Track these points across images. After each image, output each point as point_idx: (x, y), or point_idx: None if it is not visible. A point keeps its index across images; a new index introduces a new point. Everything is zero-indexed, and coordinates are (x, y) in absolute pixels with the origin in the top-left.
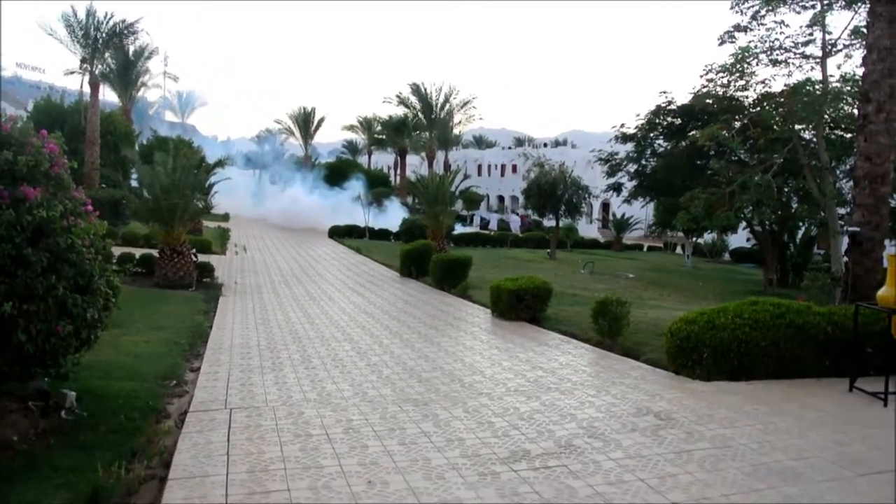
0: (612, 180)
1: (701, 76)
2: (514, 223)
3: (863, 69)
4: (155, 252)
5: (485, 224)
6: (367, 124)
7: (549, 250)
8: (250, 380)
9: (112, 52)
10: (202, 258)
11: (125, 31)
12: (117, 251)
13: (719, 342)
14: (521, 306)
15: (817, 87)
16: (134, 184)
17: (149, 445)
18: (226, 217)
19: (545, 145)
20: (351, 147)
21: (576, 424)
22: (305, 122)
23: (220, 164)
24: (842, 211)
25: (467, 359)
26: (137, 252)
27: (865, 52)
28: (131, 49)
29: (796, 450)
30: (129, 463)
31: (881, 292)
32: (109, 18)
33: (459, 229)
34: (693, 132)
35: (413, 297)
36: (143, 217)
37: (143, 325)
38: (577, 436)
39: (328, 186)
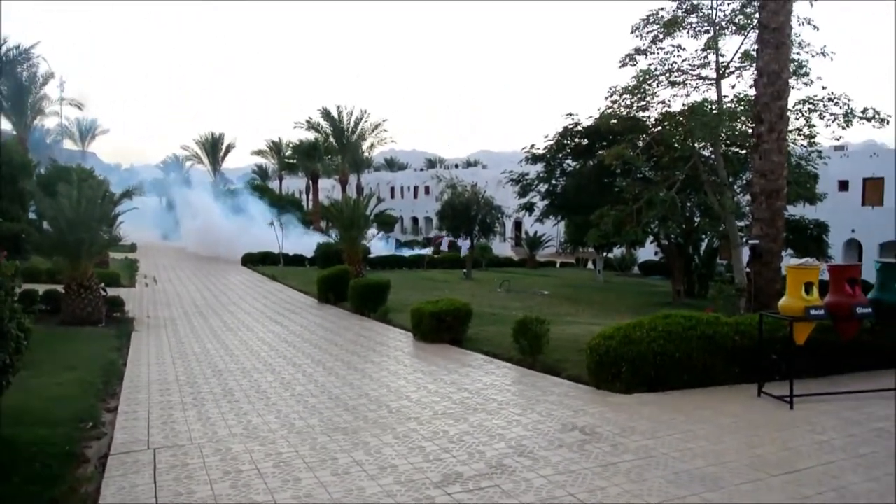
0: (523, 200)
1: (605, 97)
2: (465, 245)
3: (754, 91)
4: (60, 288)
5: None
6: (276, 149)
7: (464, 270)
8: (172, 417)
9: (4, 79)
10: (111, 292)
11: (20, 58)
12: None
13: (636, 356)
14: (442, 328)
15: (713, 107)
16: (33, 216)
17: (71, 494)
18: (133, 248)
19: (456, 166)
20: (261, 172)
21: (505, 444)
22: (214, 148)
23: (128, 194)
24: (741, 224)
25: (393, 384)
26: (41, 288)
27: (756, 75)
28: (24, 75)
29: (714, 455)
30: None
31: (782, 301)
32: (2, 44)
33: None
34: (600, 152)
35: (333, 323)
36: (46, 252)
37: (52, 366)
38: (507, 455)
39: (240, 213)
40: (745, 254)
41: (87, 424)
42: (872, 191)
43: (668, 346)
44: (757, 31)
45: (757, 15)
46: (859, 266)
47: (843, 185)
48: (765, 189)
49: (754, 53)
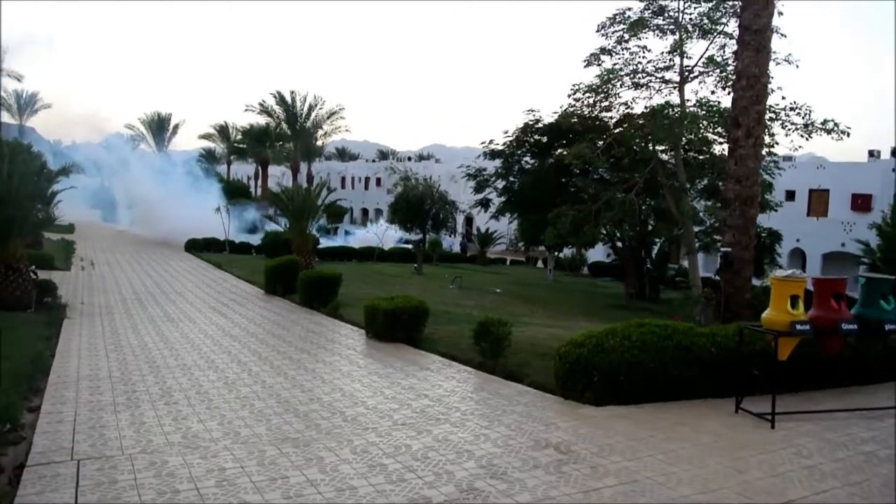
0: (479, 196)
1: (568, 95)
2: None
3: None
4: None
5: (463, 246)
6: (225, 132)
7: (415, 265)
8: (101, 420)
9: None
10: (43, 275)
11: None
12: None
13: (609, 365)
14: (397, 327)
15: (675, 110)
16: None
17: None
18: (70, 228)
19: (409, 159)
20: (209, 156)
21: (474, 463)
22: (160, 128)
23: (65, 171)
24: (696, 229)
25: (346, 387)
26: None
27: (735, 79)
28: None
29: (701, 481)
30: None
31: (766, 315)
32: None
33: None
34: (559, 150)
35: (281, 317)
36: None
37: None
38: (479, 476)
39: (184, 196)
40: (701, 260)
41: (4, 426)
42: (818, 202)
43: (643, 355)
44: (726, 36)
45: (724, 21)
46: (845, 280)
47: (790, 195)
48: (739, 195)
49: (719, 59)
